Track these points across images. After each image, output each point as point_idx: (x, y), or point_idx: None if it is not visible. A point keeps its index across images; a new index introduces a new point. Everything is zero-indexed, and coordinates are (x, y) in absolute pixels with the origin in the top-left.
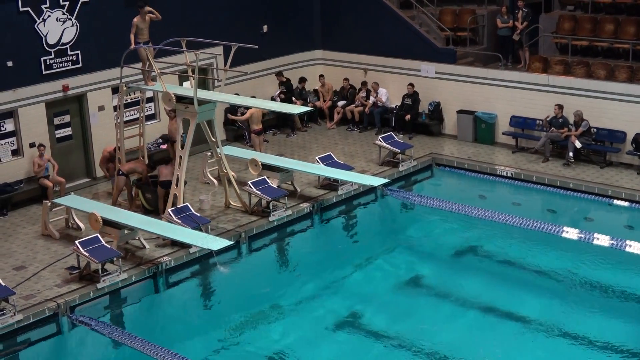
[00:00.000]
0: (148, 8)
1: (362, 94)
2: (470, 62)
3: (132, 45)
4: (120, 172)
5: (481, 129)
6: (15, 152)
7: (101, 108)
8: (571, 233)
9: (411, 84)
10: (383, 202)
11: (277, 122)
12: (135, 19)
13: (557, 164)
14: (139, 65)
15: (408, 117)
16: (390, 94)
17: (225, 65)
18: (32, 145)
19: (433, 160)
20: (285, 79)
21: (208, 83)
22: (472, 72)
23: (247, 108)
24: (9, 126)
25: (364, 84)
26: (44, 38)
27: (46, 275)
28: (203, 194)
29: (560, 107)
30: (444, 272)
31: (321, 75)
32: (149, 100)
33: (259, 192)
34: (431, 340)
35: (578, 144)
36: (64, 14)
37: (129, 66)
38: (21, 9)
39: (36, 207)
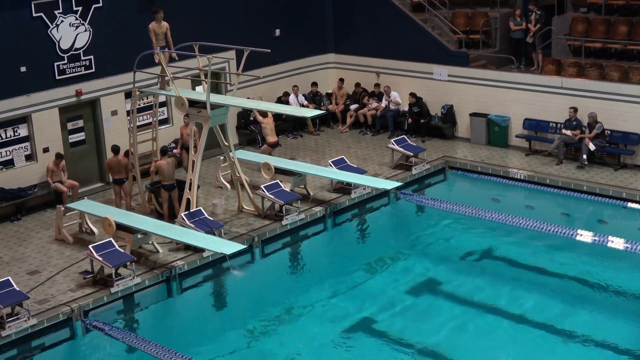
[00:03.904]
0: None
1: (374, 103)
2: (483, 64)
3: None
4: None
5: (494, 131)
6: (29, 157)
7: (114, 113)
8: (585, 236)
9: (412, 94)
10: (396, 205)
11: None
12: (150, 25)
13: (570, 166)
14: (152, 69)
15: (423, 120)
16: (402, 98)
17: (237, 69)
18: (45, 150)
19: (446, 164)
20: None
21: (220, 87)
22: (485, 74)
23: (259, 112)
24: (22, 131)
25: (377, 86)
26: (57, 43)
27: (60, 279)
28: (216, 198)
29: (575, 109)
30: (457, 276)
31: (341, 79)
32: (162, 104)
33: (272, 196)
34: (444, 343)
35: (592, 146)
36: (76, 19)
37: (142, 71)
38: (34, 15)
39: (50, 212)
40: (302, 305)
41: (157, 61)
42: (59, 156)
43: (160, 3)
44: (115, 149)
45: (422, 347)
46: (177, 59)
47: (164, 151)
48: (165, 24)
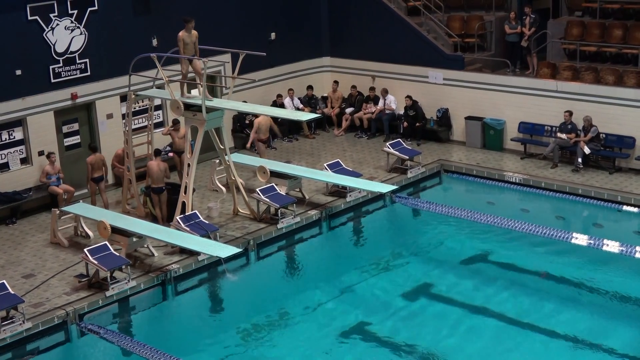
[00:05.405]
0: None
1: (372, 107)
2: (479, 68)
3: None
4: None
5: (490, 135)
6: (24, 161)
7: (110, 116)
8: (580, 239)
9: (408, 97)
10: (391, 209)
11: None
12: (180, 34)
13: (566, 169)
14: (147, 72)
15: (419, 124)
16: (398, 101)
17: (233, 72)
18: (40, 153)
19: (441, 167)
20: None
21: (216, 90)
22: (480, 78)
23: (255, 116)
24: (17, 134)
25: (372, 89)
26: (52, 46)
27: (55, 283)
28: (211, 202)
29: (571, 113)
30: (453, 279)
31: (335, 82)
32: (157, 108)
33: (267, 200)
34: (440, 346)
35: (587, 150)
36: (72, 22)
37: (138, 74)
38: (30, 18)
39: (45, 215)
40: (297, 308)
41: (184, 72)
42: (50, 155)
43: (157, 6)
44: (94, 147)
45: (417, 350)
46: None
47: (157, 152)
48: (195, 33)
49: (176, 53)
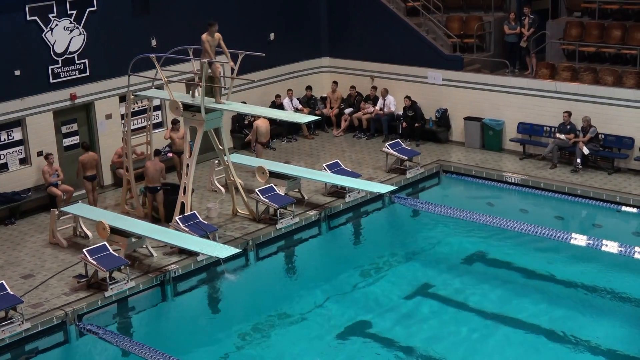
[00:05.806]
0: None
1: (369, 108)
2: (478, 69)
3: (214, 60)
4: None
5: (489, 135)
6: (23, 161)
7: (109, 116)
8: (579, 240)
9: (407, 97)
10: (390, 209)
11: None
12: (203, 36)
13: (565, 170)
14: (146, 73)
15: (418, 124)
16: (397, 102)
17: (232, 73)
18: (39, 153)
19: (440, 167)
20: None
21: (215, 91)
22: (479, 79)
23: (254, 117)
24: (16, 135)
25: (374, 88)
26: (51, 47)
27: (54, 283)
28: (210, 202)
29: (569, 113)
30: (452, 279)
31: (334, 82)
32: (156, 108)
33: (267, 200)
34: (438, 348)
35: (586, 151)
36: (71, 22)
37: (137, 74)
38: (29, 18)
39: (44, 216)
40: (296, 309)
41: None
42: (48, 156)
43: (156, 7)
44: (87, 146)
45: (417, 350)
46: (234, 67)
47: (157, 152)
48: (218, 35)
49: (197, 54)
